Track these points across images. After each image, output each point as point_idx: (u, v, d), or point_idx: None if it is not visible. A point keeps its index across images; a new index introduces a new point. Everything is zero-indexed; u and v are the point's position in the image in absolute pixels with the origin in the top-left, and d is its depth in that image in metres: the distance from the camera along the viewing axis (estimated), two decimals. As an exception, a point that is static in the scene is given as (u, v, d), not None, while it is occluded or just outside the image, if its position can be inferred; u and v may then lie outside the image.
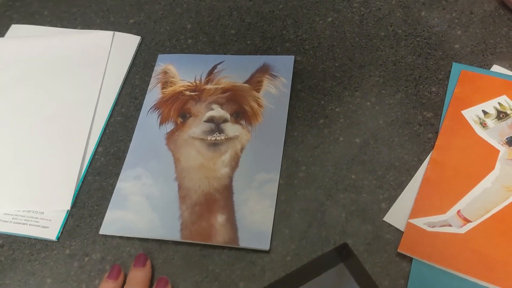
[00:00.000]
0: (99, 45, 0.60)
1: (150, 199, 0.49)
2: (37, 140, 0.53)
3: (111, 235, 0.48)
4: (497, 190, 0.45)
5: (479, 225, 0.44)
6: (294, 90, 0.55)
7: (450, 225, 0.44)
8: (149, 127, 0.53)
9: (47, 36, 0.62)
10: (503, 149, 0.47)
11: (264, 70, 0.55)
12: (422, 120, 0.51)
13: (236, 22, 0.61)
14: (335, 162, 0.50)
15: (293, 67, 0.56)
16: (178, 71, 0.57)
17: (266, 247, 0.45)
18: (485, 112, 0.50)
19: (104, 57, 0.59)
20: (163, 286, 0.44)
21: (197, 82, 0.55)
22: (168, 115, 0.54)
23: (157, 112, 0.54)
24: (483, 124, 0.49)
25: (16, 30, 0.63)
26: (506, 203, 0.44)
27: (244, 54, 0.58)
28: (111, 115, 0.56)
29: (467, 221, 0.44)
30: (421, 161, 0.49)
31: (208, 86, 0.55)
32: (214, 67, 0.56)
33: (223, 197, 0.48)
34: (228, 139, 0.51)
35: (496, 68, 0.54)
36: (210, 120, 0.52)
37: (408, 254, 0.43)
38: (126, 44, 0.60)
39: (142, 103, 0.56)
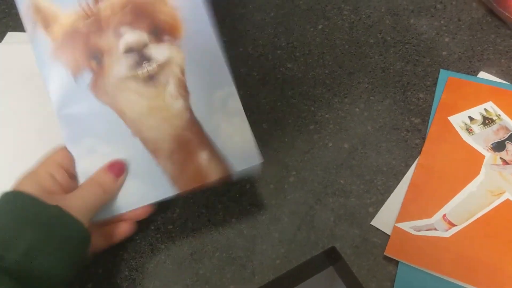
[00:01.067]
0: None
1: (127, 170, 0.44)
2: (33, 144, 0.54)
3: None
4: (482, 194, 0.46)
5: (464, 229, 0.45)
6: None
7: (435, 229, 0.45)
8: (62, 83, 0.44)
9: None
10: (488, 154, 0.49)
11: None
12: (409, 126, 0.52)
13: (228, 30, 0.62)
14: (324, 167, 0.51)
15: (284, 74, 0.57)
16: (52, 0, 0.45)
17: (259, 160, 0.44)
18: (471, 118, 0.51)
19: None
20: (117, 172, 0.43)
21: (84, 5, 0.44)
22: (76, 62, 0.44)
23: (60, 63, 0.44)
24: (469, 130, 0.50)
25: (12, 37, 0.64)
26: (491, 207, 0.45)
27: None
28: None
29: (452, 225, 0.45)
30: (408, 166, 0.50)
31: (102, 5, 0.44)
32: None
33: (194, 133, 0.44)
34: (162, 65, 0.44)
35: (483, 74, 0.55)
36: (128, 49, 0.43)
37: (394, 257, 0.44)
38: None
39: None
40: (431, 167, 0.49)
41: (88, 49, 0.44)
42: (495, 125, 0.50)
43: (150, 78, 0.44)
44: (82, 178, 0.44)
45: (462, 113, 0.52)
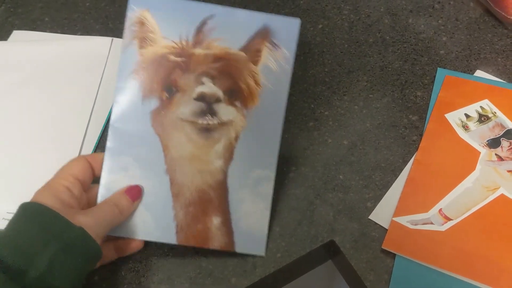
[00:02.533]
0: (98, 51, 0.62)
1: (142, 197, 0.47)
2: (36, 141, 0.56)
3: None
4: (477, 189, 0.47)
5: (459, 223, 0.46)
6: (295, 68, 0.49)
7: (431, 223, 0.46)
8: (130, 100, 0.47)
9: (47, 41, 0.64)
10: (483, 151, 0.50)
11: (264, 35, 0.46)
12: (407, 123, 0.54)
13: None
14: (324, 163, 0.52)
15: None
16: (159, 23, 0.47)
17: (262, 253, 0.47)
18: (467, 116, 0.52)
19: (102, 62, 0.61)
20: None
21: (183, 42, 0.46)
22: (151, 86, 0.46)
23: (137, 81, 0.47)
24: (465, 127, 0.52)
25: (17, 35, 0.65)
26: (485, 202, 0.47)
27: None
28: (108, 120, 0.58)
29: (448, 219, 0.46)
30: (405, 162, 0.51)
31: (197, 51, 0.46)
32: (204, 23, 0.46)
33: (217, 196, 0.47)
34: (222, 124, 0.46)
35: (479, 73, 0.56)
36: (201, 98, 0.46)
37: (391, 251, 0.45)
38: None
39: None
40: (428, 163, 0.50)
41: (167, 80, 0.46)
42: (490, 122, 0.52)
43: (206, 130, 0.46)
44: (103, 190, 0.46)
45: (459, 111, 0.53)
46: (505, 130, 0.51)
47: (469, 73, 0.56)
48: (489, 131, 0.51)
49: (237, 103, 0.46)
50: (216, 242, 0.46)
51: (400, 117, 0.54)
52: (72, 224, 0.39)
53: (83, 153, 0.55)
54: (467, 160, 0.49)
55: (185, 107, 0.46)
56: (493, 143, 0.50)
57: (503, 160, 0.49)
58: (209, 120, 0.46)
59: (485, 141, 0.50)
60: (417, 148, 0.51)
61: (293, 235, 0.48)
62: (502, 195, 0.47)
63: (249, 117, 0.46)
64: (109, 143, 0.47)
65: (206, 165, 0.46)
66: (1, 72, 0.61)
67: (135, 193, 0.46)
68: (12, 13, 0.68)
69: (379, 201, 0.49)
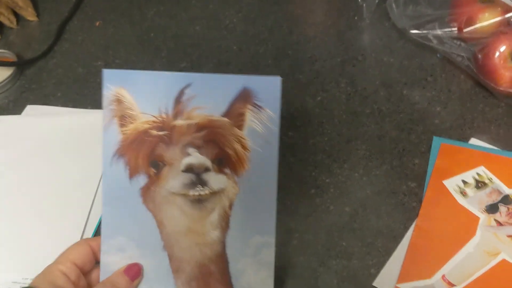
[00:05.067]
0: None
1: (142, 275, 0.46)
2: (44, 211, 0.57)
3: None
4: (479, 255, 0.48)
5: (463, 288, 0.46)
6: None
7: (435, 289, 0.46)
8: (118, 181, 0.46)
9: (58, 115, 0.67)
10: (483, 216, 0.51)
11: (245, 97, 0.45)
12: (406, 190, 0.55)
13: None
14: (327, 229, 0.53)
15: (285, 142, 0.60)
16: (136, 98, 0.45)
17: None
18: (464, 182, 0.54)
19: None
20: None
21: (163, 116, 0.45)
22: (136, 164, 0.45)
23: (122, 160, 0.46)
24: (463, 193, 0.53)
25: (31, 110, 0.68)
26: (488, 267, 0.47)
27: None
28: (116, 188, 0.59)
29: (452, 285, 0.46)
30: (406, 229, 0.52)
31: (179, 122, 0.45)
32: (182, 93, 0.45)
33: (218, 269, 0.45)
34: (214, 193, 0.44)
35: (474, 141, 0.58)
36: (189, 169, 0.44)
37: (396, 318, 0.45)
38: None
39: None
40: (428, 229, 0.51)
41: (152, 156, 0.45)
42: (487, 188, 0.53)
43: (199, 201, 0.45)
44: (103, 272, 0.46)
45: (456, 177, 0.54)
46: (502, 196, 0.52)
47: (464, 141, 0.58)
48: (486, 197, 0.52)
49: (227, 170, 0.45)
50: None
51: (399, 184, 0.56)
52: None
53: (89, 224, 0.56)
54: (467, 225, 0.50)
55: (174, 180, 0.45)
56: (492, 209, 0.51)
57: (502, 225, 0.50)
58: (200, 191, 0.44)
59: (484, 206, 0.51)
60: (417, 214, 0.52)
61: (298, 303, 0.48)
62: (503, 260, 0.47)
63: (241, 183, 0.45)
64: (103, 225, 0.46)
65: (203, 238, 0.45)
66: (14, 144, 0.64)
67: (134, 272, 0.46)
68: (27, 89, 0.71)
69: (382, 268, 0.49)
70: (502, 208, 0.51)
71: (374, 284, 0.48)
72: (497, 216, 0.50)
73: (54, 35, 0.78)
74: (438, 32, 0.67)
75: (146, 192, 0.45)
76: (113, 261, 0.46)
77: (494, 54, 0.60)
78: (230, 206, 0.45)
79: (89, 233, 0.55)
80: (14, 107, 0.69)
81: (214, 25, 0.77)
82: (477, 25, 0.64)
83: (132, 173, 0.45)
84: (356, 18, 0.75)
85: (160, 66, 0.72)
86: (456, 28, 0.65)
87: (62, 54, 0.76)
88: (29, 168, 0.61)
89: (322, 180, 0.57)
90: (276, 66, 0.71)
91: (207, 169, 0.44)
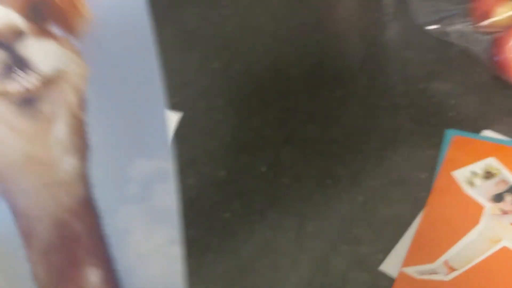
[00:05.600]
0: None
1: None
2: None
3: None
4: (481, 241, 0.51)
5: (463, 273, 0.49)
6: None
7: (437, 273, 0.49)
8: None
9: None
10: (488, 205, 0.53)
11: None
12: (417, 180, 0.58)
13: (259, 99, 0.71)
14: (339, 217, 0.57)
15: (304, 135, 0.64)
16: None
17: None
18: (473, 173, 0.56)
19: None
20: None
21: None
22: None
23: None
24: (471, 183, 0.55)
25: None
26: (489, 253, 0.50)
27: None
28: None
29: (452, 269, 0.49)
30: (414, 217, 0.55)
31: None
32: None
33: (86, 227, 0.27)
34: (48, 81, 0.25)
35: (486, 132, 0.60)
36: None
37: (398, 299, 0.49)
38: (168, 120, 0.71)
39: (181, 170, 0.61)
40: (435, 217, 0.54)
41: None
42: (495, 178, 0.55)
43: (28, 102, 0.25)
44: None
45: (465, 168, 0.57)
46: (509, 185, 0.54)
47: (476, 133, 0.60)
48: (494, 186, 0.54)
49: (56, 30, 0.24)
50: None
51: (410, 174, 0.59)
52: None
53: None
54: (472, 214, 0.53)
55: None
56: (497, 198, 0.53)
57: (507, 213, 0.52)
58: (23, 81, 0.24)
59: (490, 196, 0.54)
60: (425, 204, 0.55)
61: (309, 284, 0.52)
62: (504, 247, 0.50)
63: (87, 53, 0.25)
64: None
65: (52, 171, 0.26)
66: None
67: None
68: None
69: (389, 253, 0.53)
70: (508, 197, 0.53)
71: (381, 268, 0.52)
72: (502, 205, 0.53)
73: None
74: (456, 26, 0.68)
75: None
76: None
77: (509, 46, 0.62)
78: (81, 103, 0.26)
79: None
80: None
81: (245, 26, 0.82)
82: (494, 19, 0.65)
83: None
84: (379, 14, 0.78)
85: (194, 67, 0.78)
86: (473, 22, 0.67)
87: (104, 57, 0.83)
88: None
89: (337, 170, 0.61)
90: (300, 64, 0.74)
91: (18, 32, 0.24)
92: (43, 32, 0.24)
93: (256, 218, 0.58)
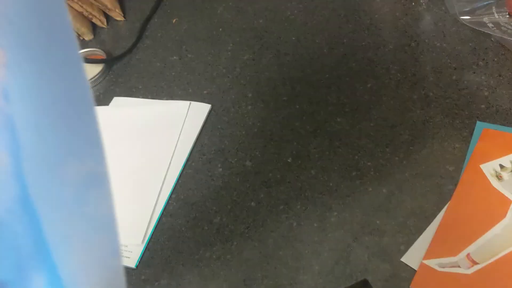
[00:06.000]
0: (178, 112, 0.74)
1: None
2: (122, 187, 0.68)
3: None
4: (505, 236, 0.50)
5: (485, 267, 0.49)
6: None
7: (458, 266, 0.49)
8: None
9: (139, 106, 0.78)
10: (515, 199, 0.52)
11: None
12: (444, 173, 0.58)
13: (288, 90, 0.72)
14: (363, 209, 0.57)
15: (333, 127, 0.65)
16: None
17: None
18: (501, 166, 0.55)
19: (180, 122, 0.73)
20: None
21: None
22: None
23: None
24: (499, 177, 0.54)
25: (117, 101, 0.79)
26: (513, 248, 0.49)
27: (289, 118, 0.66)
28: (184, 168, 0.68)
29: (475, 263, 0.49)
30: (439, 210, 0.55)
31: None
32: None
33: (25, 230, 0.23)
34: None
35: (518, 126, 0.59)
36: None
37: (418, 290, 0.49)
38: (199, 111, 0.74)
39: (210, 159, 0.66)
40: (460, 210, 0.53)
41: None
42: (525, 172, 0.54)
43: None
44: None
45: (494, 161, 0.56)
46: (539, 180, 0.53)
47: (508, 126, 0.59)
48: (523, 180, 0.53)
49: None
50: None
51: (438, 167, 0.58)
52: None
53: (161, 196, 0.66)
54: (498, 208, 0.52)
55: None
56: (526, 192, 0.52)
57: (535, 208, 0.51)
58: None
59: (518, 190, 0.53)
60: (451, 197, 0.55)
61: (330, 273, 0.54)
62: (529, 242, 0.49)
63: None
64: None
65: None
66: (105, 130, 0.75)
67: None
68: (114, 83, 0.83)
69: (411, 245, 0.53)
70: (536, 192, 0.52)
71: (402, 259, 0.52)
72: (530, 199, 0.52)
73: (137, 33, 0.88)
74: (492, 16, 0.67)
75: None
76: None
77: (546, 37, 0.60)
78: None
79: (158, 210, 0.65)
80: (103, 99, 0.81)
81: (276, 18, 0.83)
82: (531, 8, 0.63)
83: None
84: (413, 3, 0.77)
85: (226, 59, 0.80)
86: (509, 12, 0.65)
87: (143, 50, 0.86)
88: (113, 153, 0.72)
89: (364, 163, 0.61)
90: (331, 54, 0.75)
91: None
92: None
93: (281, 208, 0.60)
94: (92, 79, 0.83)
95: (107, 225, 0.24)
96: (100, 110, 0.79)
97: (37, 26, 0.20)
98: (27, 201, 0.22)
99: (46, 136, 0.22)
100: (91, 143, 0.24)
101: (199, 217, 0.61)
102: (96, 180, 0.24)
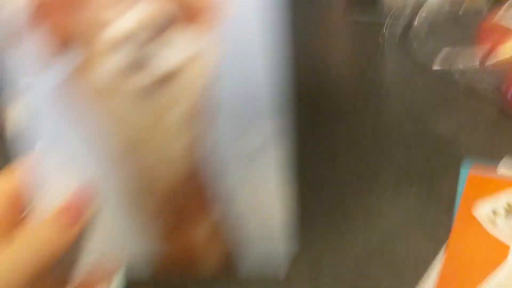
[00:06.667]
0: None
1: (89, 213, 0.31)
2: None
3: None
4: (508, 284, 0.47)
5: (495, 318, 0.45)
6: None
7: (467, 319, 0.46)
8: (25, 74, 0.29)
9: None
10: (514, 244, 0.50)
11: None
12: (435, 218, 0.55)
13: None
14: (354, 258, 0.53)
15: (313, 172, 0.61)
16: None
17: (280, 274, 0.33)
18: (494, 211, 0.54)
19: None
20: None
21: None
22: (47, 47, 0.28)
23: (26, 41, 0.28)
24: (493, 222, 0.53)
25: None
26: (520, 296, 0.46)
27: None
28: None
29: (483, 314, 0.46)
30: (435, 256, 0.51)
31: None
32: None
33: (196, 190, 0.30)
34: (171, 76, 0.28)
35: (502, 170, 0.58)
36: (121, 42, 0.27)
37: None
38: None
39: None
40: (458, 258, 0.50)
41: (59, 31, 0.27)
42: (518, 216, 0.53)
43: (149, 93, 0.28)
44: (35, 214, 0.32)
45: (485, 206, 0.54)
46: (533, 223, 0.51)
47: (492, 168, 0.58)
48: (517, 225, 0.52)
49: (191, 28, 0.27)
50: (207, 265, 0.32)
51: (428, 212, 0.56)
52: None
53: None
54: (497, 254, 0.50)
55: (104, 66, 0.27)
56: (523, 237, 0.51)
57: (535, 253, 0.49)
58: (149, 76, 0.27)
59: (514, 235, 0.51)
60: (446, 242, 0.52)
61: (327, 331, 0.48)
62: (537, 289, 0.46)
63: (213, 51, 0.28)
64: (22, 144, 0.31)
65: (166, 150, 0.29)
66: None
67: (74, 212, 0.31)
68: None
69: (411, 297, 0.49)
70: (534, 237, 0.50)
71: (404, 313, 0.48)
72: (528, 244, 0.50)
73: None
74: (460, 65, 0.68)
75: (67, 89, 0.29)
76: (47, 195, 0.31)
77: (519, 84, 0.61)
78: (202, 93, 0.29)
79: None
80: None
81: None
82: (500, 56, 0.65)
83: (43, 60, 0.28)
84: (377, 55, 0.77)
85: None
86: (478, 60, 0.67)
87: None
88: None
89: (350, 207, 0.57)
90: (300, 101, 0.72)
91: (155, 33, 0.27)
92: (179, 31, 0.27)
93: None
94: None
95: (277, 174, 0.30)
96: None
97: (243, 41, 0.27)
98: (202, 168, 0.30)
99: (230, 117, 0.29)
100: (267, 117, 0.29)
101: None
102: (271, 144, 0.30)
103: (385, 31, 0.76)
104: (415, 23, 0.72)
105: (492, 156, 0.60)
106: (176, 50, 0.27)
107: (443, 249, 0.52)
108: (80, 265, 0.32)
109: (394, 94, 0.71)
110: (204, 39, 0.28)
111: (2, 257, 0.30)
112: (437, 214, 0.55)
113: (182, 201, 0.31)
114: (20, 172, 0.32)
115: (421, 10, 0.71)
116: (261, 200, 0.31)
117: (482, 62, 0.66)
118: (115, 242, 0.32)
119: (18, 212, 0.33)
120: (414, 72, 0.73)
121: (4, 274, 0.30)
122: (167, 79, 0.28)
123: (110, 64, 0.28)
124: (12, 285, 0.30)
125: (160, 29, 0.27)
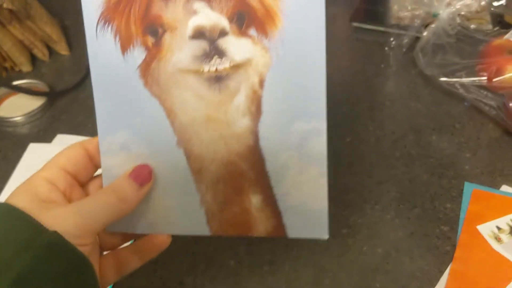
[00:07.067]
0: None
1: (153, 179, 0.36)
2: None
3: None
4: (517, 302, 0.47)
5: (503, 336, 0.45)
6: None
7: (475, 336, 0.45)
8: (108, 58, 0.35)
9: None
10: (519, 262, 0.50)
11: None
12: (439, 233, 0.55)
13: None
14: (360, 270, 0.52)
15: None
16: None
17: (324, 234, 0.37)
18: (499, 228, 0.53)
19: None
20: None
21: None
22: (129, 32, 0.34)
23: (110, 28, 0.34)
24: (498, 239, 0.52)
25: (61, 139, 0.69)
26: (528, 315, 0.46)
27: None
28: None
29: (491, 332, 0.45)
30: (441, 272, 0.51)
31: None
32: None
33: (251, 167, 0.36)
34: (237, 67, 0.34)
35: (505, 188, 0.58)
36: (198, 34, 0.33)
37: None
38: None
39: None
40: (464, 274, 0.50)
41: (147, 19, 0.34)
42: (522, 234, 0.52)
43: (217, 80, 0.34)
44: (105, 178, 0.37)
45: (490, 223, 0.54)
46: (538, 242, 0.51)
47: (495, 188, 0.58)
48: (522, 243, 0.52)
49: (252, 31, 0.34)
50: (261, 227, 0.36)
51: (432, 227, 0.55)
52: (43, 228, 0.32)
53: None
54: (502, 272, 0.50)
55: (181, 52, 0.34)
56: (528, 255, 0.50)
57: (540, 272, 0.49)
58: (217, 64, 0.34)
59: (520, 253, 0.51)
60: (451, 258, 0.52)
61: None
62: (543, 309, 0.46)
63: (273, 49, 0.34)
64: (98, 119, 0.37)
65: (228, 128, 0.35)
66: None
67: (143, 176, 0.36)
68: (57, 119, 0.72)
69: (417, 312, 0.48)
70: (539, 255, 0.50)
71: (410, 328, 0.47)
72: (534, 263, 0.50)
73: (86, 68, 0.79)
74: (466, 81, 0.68)
75: (146, 71, 0.35)
76: (116, 164, 0.36)
77: (524, 104, 0.61)
78: (261, 83, 0.34)
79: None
80: (44, 136, 0.69)
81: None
82: (506, 76, 0.65)
83: (125, 46, 0.35)
84: (382, 65, 0.77)
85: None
86: (484, 78, 0.67)
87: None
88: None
89: (354, 220, 0.57)
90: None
91: (223, 32, 0.33)
92: (242, 33, 0.34)
93: (267, 269, 0.52)
94: (31, 114, 0.71)
95: (320, 158, 0.35)
96: (42, 147, 0.67)
97: (298, 44, 0.34)
98: (257, 148, 0.36)
99: (283, 106, 0.35)
100: (318, 109, 0.34)
101: (165, 276, 0.52)
102: (316, 131, 0.35)
103: (392, 42, 0.76)
104: (423, 35, 0.72)
105: (495, 174, 0.60)
106: (238, 49, 0.34)
107: (449, 264, 0.51)
108: (144, 225, 0.37)
109: (398, 106, 0.70)
110: (258, 46, 0.34)
111: (89, 201, 0.35)
112: (442, 229, 0.55)
113: (238, 174, 0.36)
114: (95, 141, 0.38)
115: (430, 23, 0.71)
116: (301, 179, 0.36)
117: (488, 79, 0.67)
118: (181, 205, 0.37)
119: (94, 167, 0.38)
120: (419, 85, 0.73)
121: (88, 216, 0.33)
122: (232, 71, 0.35)
123: (187, 51, 0.34)
124: (93, 228, 0.34)
125: (224, 31, 0.34)
